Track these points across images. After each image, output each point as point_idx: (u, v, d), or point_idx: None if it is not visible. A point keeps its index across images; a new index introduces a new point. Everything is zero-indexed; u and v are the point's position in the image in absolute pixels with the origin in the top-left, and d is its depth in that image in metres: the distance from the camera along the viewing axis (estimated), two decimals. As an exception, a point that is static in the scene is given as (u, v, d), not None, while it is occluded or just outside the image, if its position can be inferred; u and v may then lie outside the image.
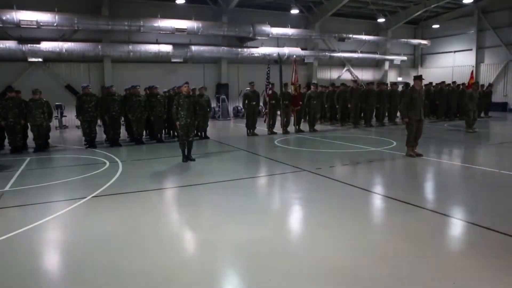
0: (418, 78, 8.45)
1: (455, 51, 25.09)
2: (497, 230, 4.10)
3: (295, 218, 4.96)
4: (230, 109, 20.20)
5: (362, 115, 15.43)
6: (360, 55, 23.98)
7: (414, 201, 5.19)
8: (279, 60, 13.84)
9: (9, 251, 3.87)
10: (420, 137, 8.61)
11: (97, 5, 17.01)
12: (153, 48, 17.64)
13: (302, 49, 21.66)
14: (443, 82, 17.83)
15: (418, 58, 27.44)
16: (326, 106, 15.69)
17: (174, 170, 7.74)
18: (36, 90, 10.14)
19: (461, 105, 15.50)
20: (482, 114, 17.74)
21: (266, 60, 15.55)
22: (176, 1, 17.43)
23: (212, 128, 14.08)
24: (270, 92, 12.71)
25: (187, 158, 8.40)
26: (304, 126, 13.99)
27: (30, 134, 10.38)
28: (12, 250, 3.88)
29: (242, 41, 20.29)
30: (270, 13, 20.72)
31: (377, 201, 5.52)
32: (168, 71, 18.49)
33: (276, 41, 21.15)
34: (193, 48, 18.46)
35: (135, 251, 3.80)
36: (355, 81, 17.28)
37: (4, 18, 14.20)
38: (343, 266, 3.41)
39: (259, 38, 19.32)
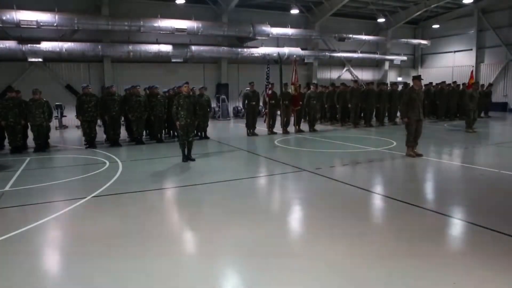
0: (417, 78, 8.45)
1: (455, 51, 25.10)
2: (497, 230, 4.11)
3: (295, 218, 4.96)
4: (230, 109, 20.21)
5: (362, 115, 15.45)
6: (360, 55, 23.97)
7: (414, 201, 5.20)
8: (279, 60, 13.84)
9: (9, 251, 3.87)
10: (420, 137, 8.62)
11: (97, 5, 17.03)
12: (153, 48, 17.64)
13: (302, 49, 21.65)
14: (444, 82, 17.85)
15: (418, 58, 27.43)
16: (326, 106, 15.71)
17: (174, 170, 7.74)
18: (36, 90, 10.13)
19: (461, 105, 15.50)
20: (482, 114, 17.74)
21: (266, 60, 15.50)
22: (176, 1, 17.43)
23: (212, 128, 14.08)
24: (270, 92, 12.72)
25: (187, 158, 8.41)
26: (304, 126, 13.99)
27: (30, 134, 10.37)
28: (12, 250, 3.88)
29: (242, 41, 20.29)
30: (270, 13, 20.73)
31: (377, 201, 5.52)
32: (168, 71, 18.50)
33: (276, 41, 21.19)
34: (193, 48, 18.45)
35: (135, 251, 3.80)
36: (355, 81, 17.27)
37: (4, 18, 14.19)
38: (343, 266, 3.41)
39: (259, 38, 19.32)
